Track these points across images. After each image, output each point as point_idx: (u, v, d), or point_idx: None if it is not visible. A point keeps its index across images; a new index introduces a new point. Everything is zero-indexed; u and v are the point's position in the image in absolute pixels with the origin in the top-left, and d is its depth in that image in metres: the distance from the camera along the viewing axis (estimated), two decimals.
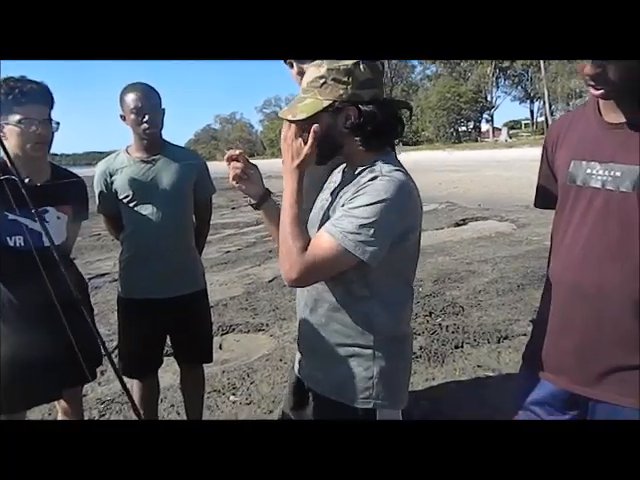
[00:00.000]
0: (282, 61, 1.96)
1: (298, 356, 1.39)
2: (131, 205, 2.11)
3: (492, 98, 51.56)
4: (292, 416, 1.41)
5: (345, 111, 1.14)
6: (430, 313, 4.04)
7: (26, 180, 1.57)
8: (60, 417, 2.06)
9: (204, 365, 2.42)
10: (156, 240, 2.11)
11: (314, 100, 1.15)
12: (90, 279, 5.39)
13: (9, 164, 1.53)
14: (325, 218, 1.21)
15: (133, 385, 2.23)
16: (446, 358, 3.24)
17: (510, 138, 44.56)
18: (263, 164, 1.91)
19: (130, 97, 2.06)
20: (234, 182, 1.28)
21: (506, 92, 54.72)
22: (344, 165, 1.30)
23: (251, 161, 1.31)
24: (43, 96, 1.75)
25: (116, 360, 2.02)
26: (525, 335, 1.58)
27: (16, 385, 1.70)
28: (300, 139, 1.16)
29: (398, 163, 1.20)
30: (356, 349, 1.21)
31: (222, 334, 3.90)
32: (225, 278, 5.65)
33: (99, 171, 2.17)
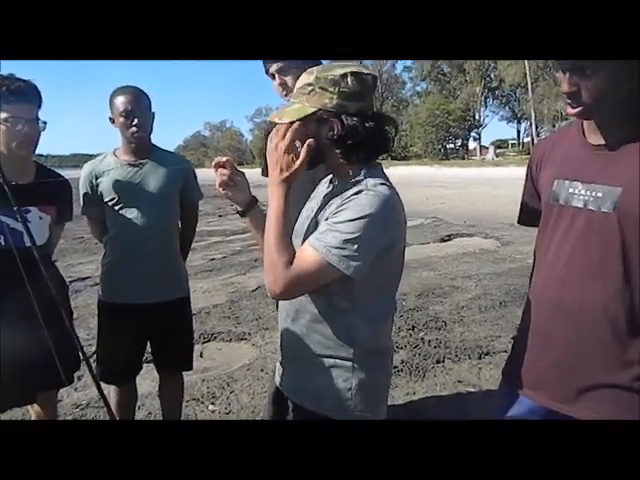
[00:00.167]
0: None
1: (278, 366, 1.38)
2: (116, 208, 2.09)
3: (480, 117, 52.35)
4: None
5: (329, 122, 1.14)
6: (413, 327, 4.05)
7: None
8: None
9: (184, 373, 2.39)
10: (140, 244, 2.09)
11: (301, 106, 1.16)
12: (71, 282, 5.30)
13: None
14: (310, 229, 1.21)
15: (110, 391, 2.19)
16: (427, 373, 3.24)
17: (497, 157, 45.17)
18: (252, 173, 1.91)
19: (120, 100, 2.05)
20: (220, 189, 1.28)
21: (494, 111, 55.60)
22: (331, 175, 1.31)
23: (239, 169, 1.31)
24: (31, 95, 1.73)
25: (94, 365, 1.99)
26: (506, 352, 1.60)
27: None
28: (291, 152, 1.15)
29: (384, 176, 1.20)
30: (336, 360, 1.21)
31: (203, 342, 3.86)
32: (209, 285, 5.61)
33: (85, 173, 2.15)
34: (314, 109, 1.14)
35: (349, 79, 1.12)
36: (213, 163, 1.29)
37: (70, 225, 2.07)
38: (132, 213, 2.09)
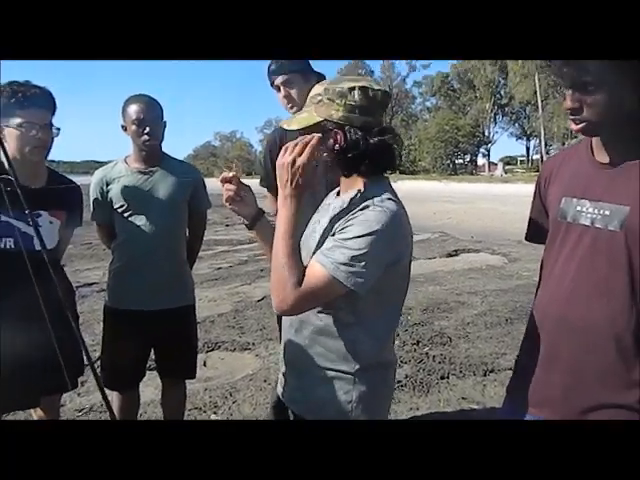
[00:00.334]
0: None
1: (281, 376, 1.38)
2: (125, 215, 2.11)
3: (490, 133, 52.52)
4: None
5: (333, 134, 1.15)
6: (418, 342, 4.03)
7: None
8: None
9: (187, 381, 2.39)
10: (148, 251, 2.11)
11: (309, 115, 1.18)
12: (78, 287, 5.33)
13: (7, 165, 1.53)
14: (316, 243, 1.22)
15: (113, 397, 2.19)
16: (431, 388, 3.22)
17: (505, 173, 45.17)
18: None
19: (133, 108, 2.08)
20: (227, 203, 1.30)
21: (503, 128, 55.79)
22: (338, 188, 1.31)
23: (246, 182, 1.33)
24: (45, 101, 1.77)
25: (98, 370, 1.99)
26: (512, 370, 1.58)
27: None
28: (307, 168, 1.12)
29: (391, 191, 1.20)
30: (338, 373, 1.21)
31: (207, 351, 3.86)
32: (214, 294, 5.62)
33: (96, 179, 2.17)
34: (320, 119, 1.16)
35: (356, 93, 1.13)
36: (220, 178, 1.30)
37: (79, 231, 2.09)
38: (141, 220, 2.10)
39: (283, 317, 1.35)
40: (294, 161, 1.11)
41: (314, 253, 1.15)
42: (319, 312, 1.21)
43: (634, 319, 1.11)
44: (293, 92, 1.98)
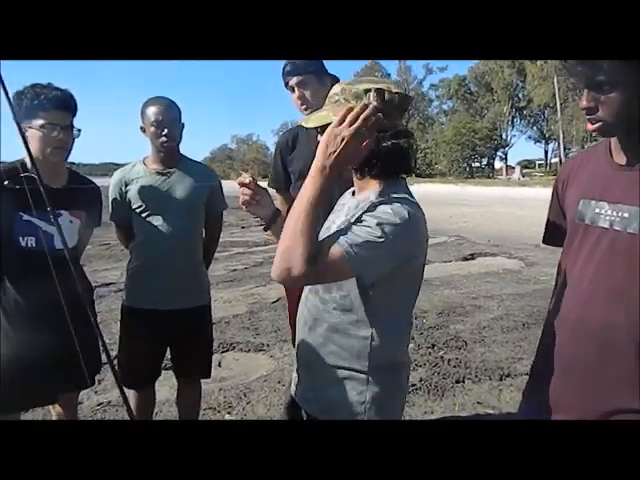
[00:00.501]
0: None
1: (294, 375, 1.39)
2: (143, 215, 2.14)
3: (507, 136, 52.08)
4: None
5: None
6: (433, 345, 4.00)
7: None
8: None
9: (201, 381, 2.41)
10: (165, 251, 2.13)
11: (327, 114, 1.18)
12: (95, 287, 5.40)
13: (30, 164, 1.56)
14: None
15: (129, 395, 2.21)
16: (446, 392, 3.19)
17: (523, 177, 44.66)
18: None
19: (151, 110, 2.11)
20: (244, 207, 1.33)
21: (521, 131, 55.25)
22: (353, 188, 1.32)
23: (261, 185, 1.35)
24: (67, 103, 1.80)
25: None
26: (528, 375, 1.57)
27: (14, 386, 1.70)
28: (354, 142, 1.05)
29: (408, 192, 1.20)
30: (351, 372, 1.21)
31: (222, 351, 3.88)
32: (230, 296, 5.66)
33: (115, 180, 2.21)
34: (335, 119, 1.16)
35: (372, 95, 1.13)
36: (237, 182, 1.32)
37: (97, 232, 2.12)
38: (158, 220, 2.13)
39: (298, 315, 1.35)
40: (339, 132, 1.05)
41: None
42: (332, 309, 1.21)
43: None
44: (307, 93, 1.99)
